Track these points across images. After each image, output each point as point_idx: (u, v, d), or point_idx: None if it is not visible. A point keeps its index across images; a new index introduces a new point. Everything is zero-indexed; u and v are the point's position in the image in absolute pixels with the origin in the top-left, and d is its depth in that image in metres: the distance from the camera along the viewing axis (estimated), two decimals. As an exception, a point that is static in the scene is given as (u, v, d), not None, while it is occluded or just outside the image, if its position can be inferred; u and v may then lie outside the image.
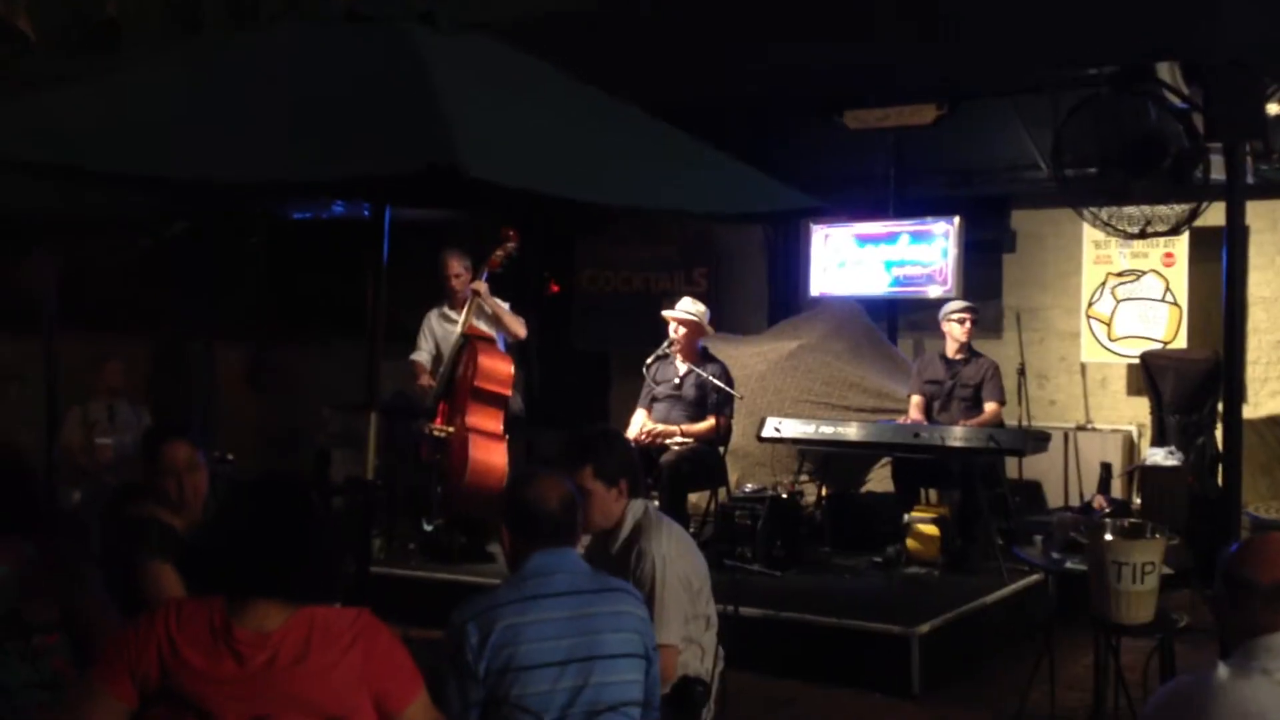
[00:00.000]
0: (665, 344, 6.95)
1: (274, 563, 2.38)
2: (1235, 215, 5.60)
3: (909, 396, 7.47)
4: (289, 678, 2.30)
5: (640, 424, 6.87)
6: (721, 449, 6.94)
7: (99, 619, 3.00)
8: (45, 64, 7.53)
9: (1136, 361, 8.41)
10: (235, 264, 10.22)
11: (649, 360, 7.00)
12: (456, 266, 7.10)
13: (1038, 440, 7.06)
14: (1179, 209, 6.13)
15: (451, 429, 6.75)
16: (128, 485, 3.98)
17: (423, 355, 7.19)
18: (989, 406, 7.09)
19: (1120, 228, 6.22)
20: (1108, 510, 6.09)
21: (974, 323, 7.26)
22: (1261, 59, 5.49)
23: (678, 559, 3.48)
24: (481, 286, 6.97)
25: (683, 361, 6.89)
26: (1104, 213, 6.20)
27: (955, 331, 7.21)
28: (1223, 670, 2.32)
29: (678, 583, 3.44)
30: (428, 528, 6.99)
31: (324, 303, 10.18)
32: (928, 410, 7.29)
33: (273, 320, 10.57)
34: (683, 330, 6.82)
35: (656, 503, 5.77)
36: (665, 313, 6.95)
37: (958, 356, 7.26)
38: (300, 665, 2.31)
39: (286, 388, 10.43)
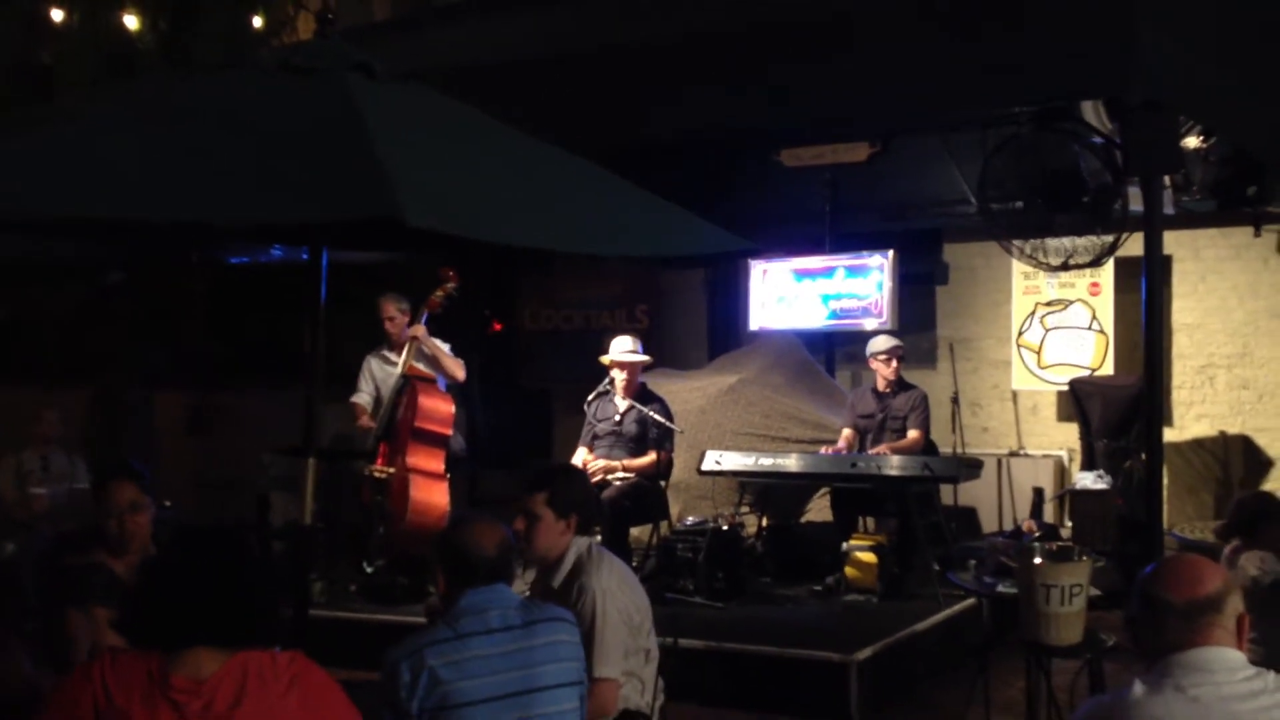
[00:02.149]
0: (605, 382, 7.02)
1: (209, 610, 2.39)
2: (1153, 246, 5.77)
3: (841, 429, 7.60)
4: (226, 724, 2.32)
5: (582, 460, 6.93)
6: (662, 483, 7.02)
7: (16, 685, 2.96)
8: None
9: (1065, 388, 8.61)
10: (174, 310, 10.17)
11: (589, 398, 7.07)
12: (391, 309, 7.12)
13: (971, 467, 7.20)
14: (1100, 241, 6.30)
15: (392, 470, 6.76)
16: (63, 535, 3.97)
17: (363, 397, 7.20)
18: (910, 434, 7.25)
19: (1044, 260, 6.38)
20: (1037, 534, 6.22)
21: (899, 360, 7.39)
22: (1177, 96, 5.68)
23: (618, 593, 3.54)
24: (420, 330, 6.99)
25: (623, 399, 6.97)
26: (1028, 246, 6.36)
27: (882, 370, 7.39)
28: (1138, 687, 2.40)
29: (618, 617, 3.50)
30: (369, 569, 6.97)
31: (264, 347, 10.15)
32: (861, 443, 7.43)
33: (212, 365, 10.51)
34: (625, 373, 6.92)
35: (599, 538, 5.82)
36: (605, 359, 7.01)
37: (888, 389, 7.41)
38: (237, 710, 2.32)
39: (226, 433, 10.36)
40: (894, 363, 7.35)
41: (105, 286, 8.81)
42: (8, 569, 6.50)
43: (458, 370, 7.14)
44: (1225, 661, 2.38)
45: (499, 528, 3.06)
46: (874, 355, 7.41)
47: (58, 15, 8.20)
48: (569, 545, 3.61)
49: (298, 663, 2.43)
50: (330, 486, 7.16)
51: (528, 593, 3.57)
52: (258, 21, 8.65)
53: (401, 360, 6.98)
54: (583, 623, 3.37)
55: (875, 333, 7.96)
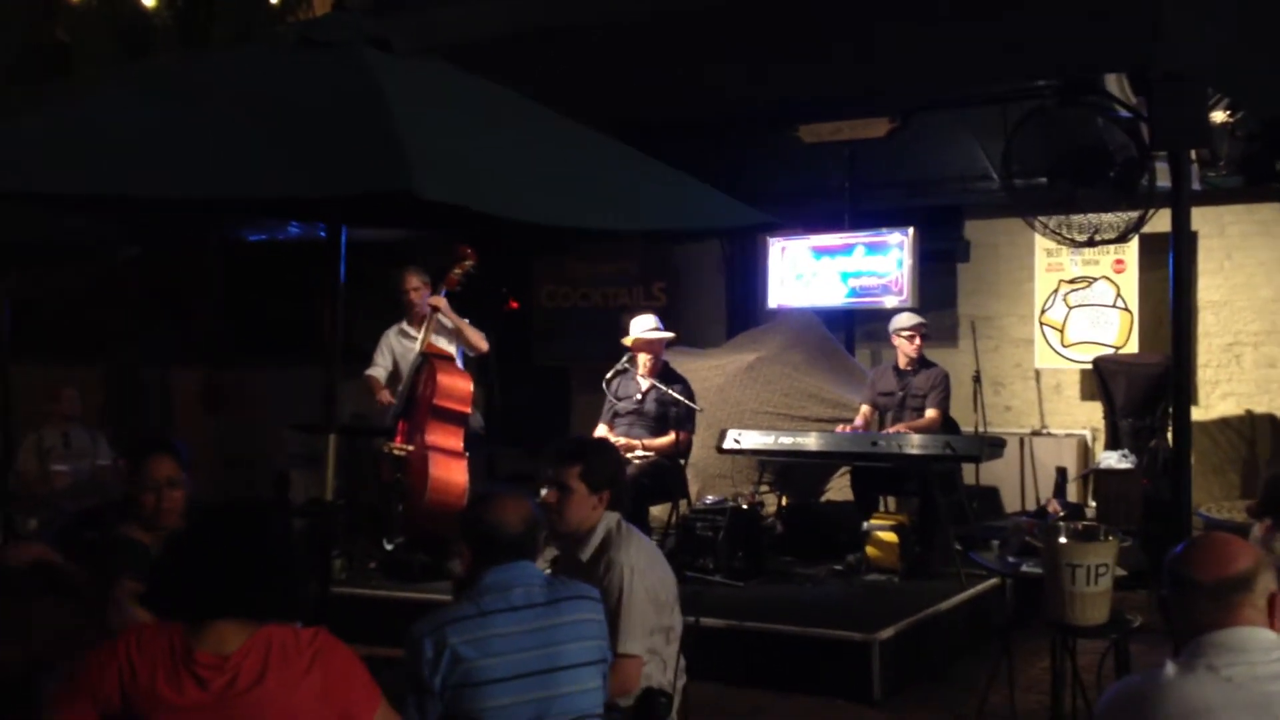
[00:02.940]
0: (624, 359, 6.98)
1: (233, 584, 2.39)
2: (1181, 222, 5.71)
3: (859, 405, 7.55)
4: (250, 700, 2.31)
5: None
6: (682, 462, 6.98)
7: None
8: (-6, 91, 7.48)
9: (1089, 367, 8.53)
10: (191, 287, 10.17)
11: (608, 376, 7.03)
12: (415, 280, 7.10)
13: (993, 446, 7.14)
14: (1126, 217, 6.24)
15: (411, 447, 6.74)
16: (84, 511, 3.97)
17: (378, 371, 7.17)
18: (929, 413, 7.19)
19: (1069, 236, 6.32)
20: (1062, 514, 6.17)
21: (922, 338, 7.34)
22: (1203, 69, 5.60)
23: (646, 571, 3.51)
24: (441, 301, 6.96)
25: (645, 378, 6.92)
26: (1053, 221, 6.30)
27: (904, 347, 7.33)
28: (1170, 668, 2.37)
29: (644, 594, 3.47)
30: (388, 547, 6.97)
31: (281, 324, 10.15)
32: (881, 420, 7.38)
33: (230, 342, 10.52)
34: (648, 355, 6.88)
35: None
36: (627, 340, 6.96)
37: (909, 367, 7.36)
38: (259, 686, 2.32)
39: (242, 410, 10.37)
40: (916, 340, 7.30)
41: (121, 264, 8.81)
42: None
43: (480, 341, 7.11)
44: (1258, 641, 2.35)
45: (525, 503, 3.04)
46: (897, 331, 7.36)
47: (74, -9, 8.18)
48: (599, 520, 3.58)
49: (320, 638, 2.43)
50: (349, 464, 7.15)
51: (549, 569, 3.54)
52: (274, -3, 8.63)
53: (420, 337, 6.96)
54: (609, 598, 3.36)
55: (896, 310, 7.90)
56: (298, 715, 2.34)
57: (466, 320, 7.11)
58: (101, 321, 9.75)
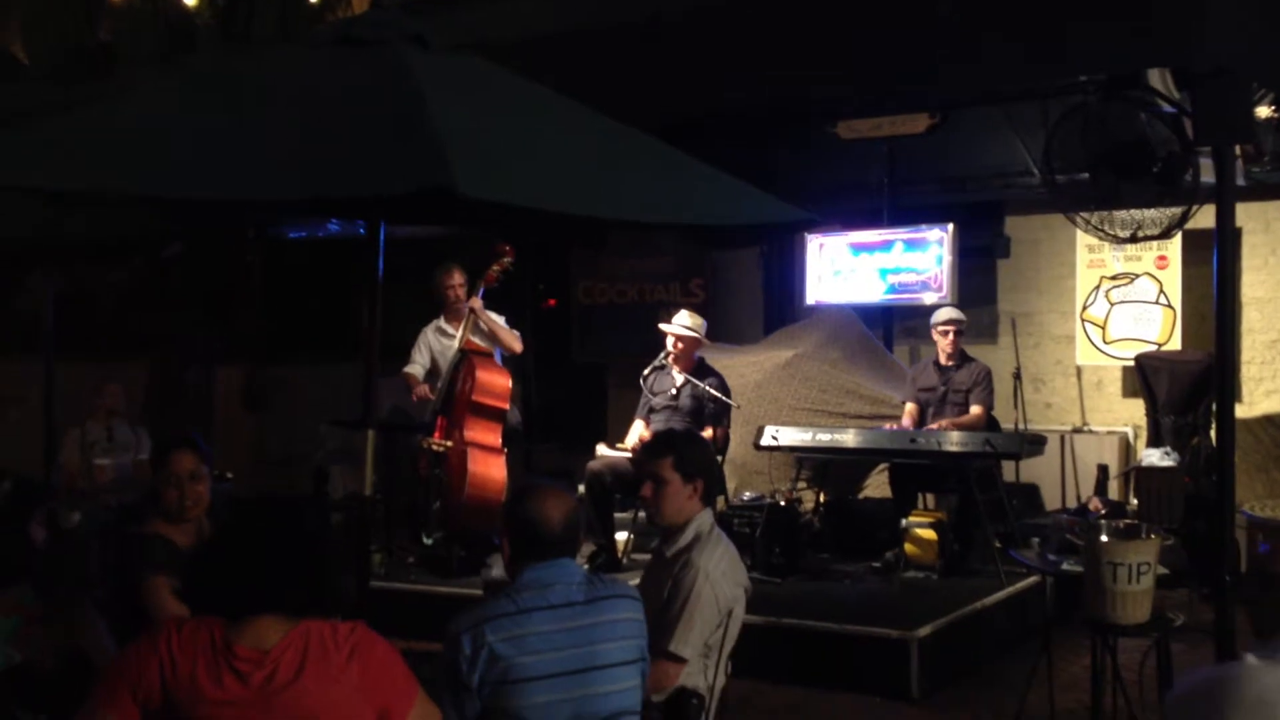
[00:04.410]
0: (661, 355, 6.99)
1: (272, 581, 2.41)
2: (1226, 218, 5.62)
3: (903, 404, 7.52)
4: (290, 694, 2.33)
5: (638, 434, 6.90)
6: (719, 458, 6.97)
7: (98, 656, 3.01)
8: (39, 91, 7.57)
9: (1131, 364, 8.44)
10: (231, 284, 10.26)
11: (645, 372, 7.04)
12: (458, 277, 7.14)
13: (1033, 443, 7.09)
14: (1169, 213, 6.16)
15: (450, 443, 6.78)
16: (127, 505, 4.03)
17: (415, 368, 7.21)
18: (974, 410, 7.16)
19: (1111, 232, 6.24)
20: (1103, 512, 6.12)
21: (958, 334, 7.30)
22: (1248, 63, 5.52)
23: (721, 581, 3.48)
24: (477, 303, 7.00)
25: (680, 373, 6.93)
26: (1095, 217, 6.22)
27: (941, 343, 7.31)
28: (1251, 659, 2.36)
29: (713, 603, 3.45)
30: (427, 541, 7.01)
31: (321, 320, 10.22)
32: (922, 416, 7.34)
33: (270, 339, 10.60)
34: (680, 344, 6.88)
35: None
36: (663, 326, 6.99)
37: (950, 363, 7.32)
38: (298, 681, 2.34)
39: (283, 407, 10.45)
40: (950, 335, 7.26)
41: (163, 261, 8.91)
42: (74, 538, 6.61)
43: (515, 343, 7.14)
44: None
45: (568, 499, 3.03)
46: (934, 326, 7.36)
47: (117, -8, 8.27)
48: (695, 514, 3.57)
49: (359, 633, 2.44)
50: (389, 459, 7.20)
51: (586, 566, 3.54)
52: (314, -4, 8.69)
53: (459, 334, 6.99)
54: (679, 594, 3.38)
55: (935, 307, 7.85)
56: (336, 709, 2.35)
57: (502, 320, 7.14)
58: (144, 319, 9.86)
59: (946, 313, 7.42)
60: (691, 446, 3.69)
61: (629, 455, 6.68)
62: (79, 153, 3.30)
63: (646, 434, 6.86)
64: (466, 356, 6.90)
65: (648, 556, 4.03)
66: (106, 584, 3.76)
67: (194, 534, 3.70)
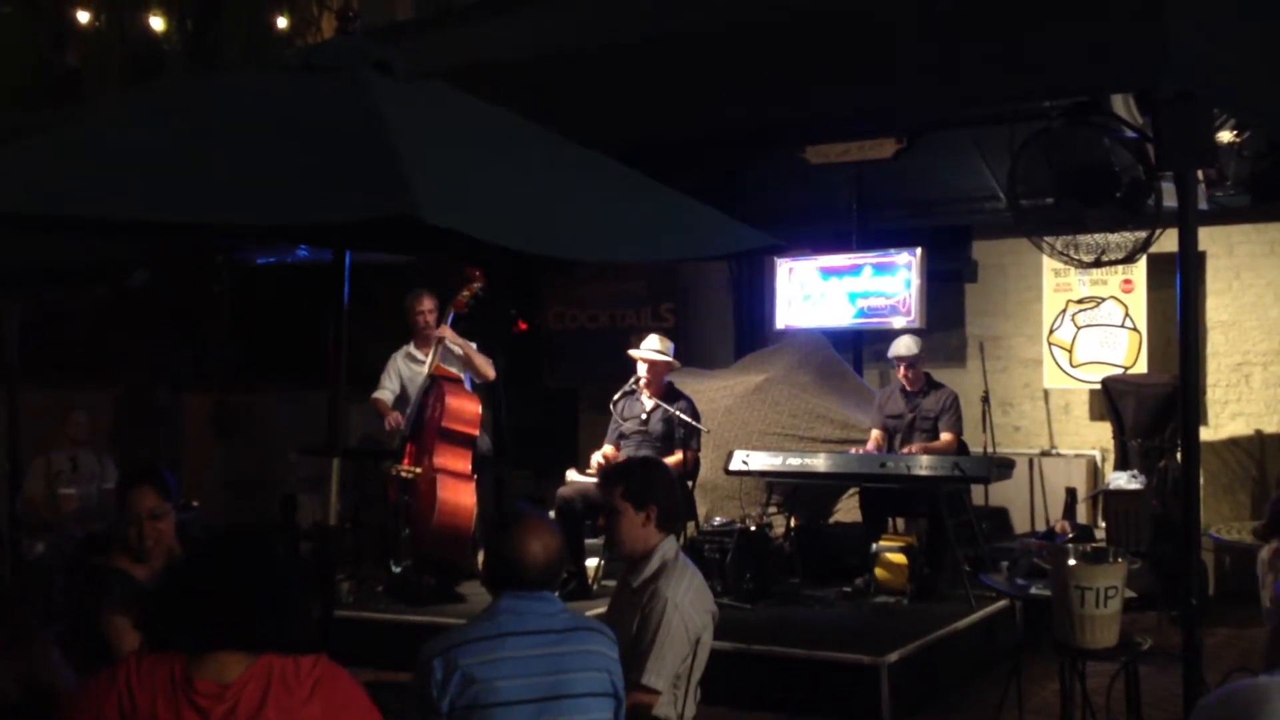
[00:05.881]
0: (632, 380, 6.99)
1: (234, 613, 2.38)
2: (1188, 242, 5.67)
3: (869, 429, 7.53)
4: (251, 730, 2.30)
5: (604, 458, 6.88)
6: (689, 483, 6.97)
7: (57, 686, 2.96)
8: (4, 116, 7.52)
9: (1098, 387, 8.50)
10: (200, 310, 10.19)
11: (615, 397, 7.04)
12: (428, 303, 7.11)
13: (1002, 467, 7.12)
14: (1133, 237, 6.20)
15: (419, 470, 6.74)
16: (91, 536, 3.98)
17: (385, 393, 7.17)
18: (944, 437, 7.18)
19: (1076, 257, 6.29)
20: (1071, 535, 6.14)
21: (909, 367, 7.30)
22: (1209, 89, 5.58)
23: (690, 611, 3.47)
24: (446, 331, 6.97)
25: (650, 398, 6.93)
26: (1059, 242, 6.27)
27: (899, 375, 7.34)
28: (1265, 678, 2.39)
29: (683, 632, 3.44)
30: (396, 569, 6.96)
31: (290, 347, 10.14)
32: (890, 443, 7.36)
33: (239, 366, 10.53)
34: (650, 369, 6.88)
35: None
36: (632, 352, 6.99)
37: (915, 389, 7.34)
38: (260, 716, 2.31)
39: (252, 434, 10.37)
40: (903, 369, 7.29)
41: (129, 288, 8.83)
42: (37, 569, 6.53)
43: (488, 368, 7.12)
44: None
45: (553, 533, 3.00)
46: (891, 358, 7.38)
47: (84, 17, 8.23)
48: (656, 544, 3.55)
49: (321, 666, 2.41)
50: (359, 486, 7.15)
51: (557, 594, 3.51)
52: (283, 22, 8.67)
53: (429, 360, 6.96)
54: (649, 626, 3.36)
55: (903, 331, 7.88)
56: (299, 743, 2.32)
57: (474, 345, 7.11)
58: (112, 345, 9.77)
59: (899, 346, 7.40)
60: (644, 472, 3.66)
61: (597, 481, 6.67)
62: (37, 176, 3.26)
63: (603, 458, 6.85)
64: (436, 382, 6.88)
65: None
66: (69, 616, 3.71)
67: (159, 569, 3.65)
